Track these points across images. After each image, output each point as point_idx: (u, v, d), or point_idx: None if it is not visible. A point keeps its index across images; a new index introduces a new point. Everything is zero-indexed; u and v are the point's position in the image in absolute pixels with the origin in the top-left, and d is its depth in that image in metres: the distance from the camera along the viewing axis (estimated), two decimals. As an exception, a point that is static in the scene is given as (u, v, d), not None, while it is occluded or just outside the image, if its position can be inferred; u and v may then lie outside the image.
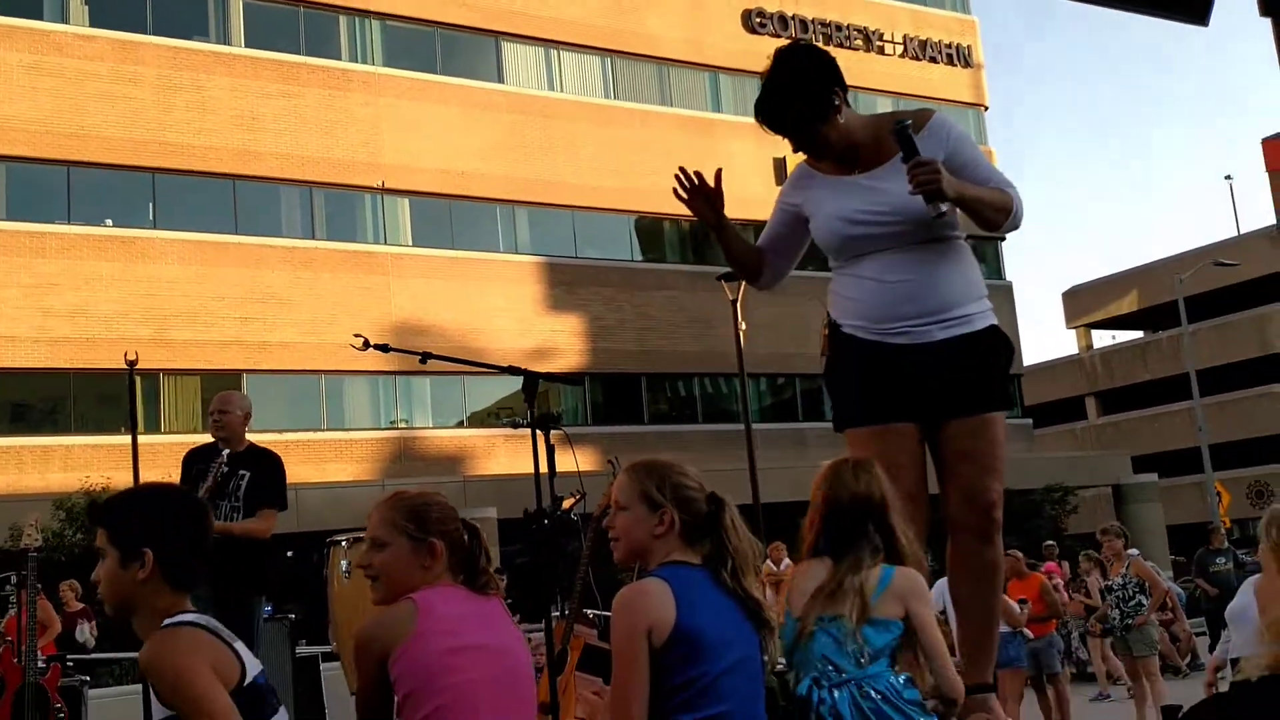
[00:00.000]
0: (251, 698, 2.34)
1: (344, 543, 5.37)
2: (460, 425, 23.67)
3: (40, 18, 20.79)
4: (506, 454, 22.18)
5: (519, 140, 24.49)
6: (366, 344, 3.55)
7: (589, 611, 4.99)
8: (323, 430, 21.21)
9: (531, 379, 3.79)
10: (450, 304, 22.74)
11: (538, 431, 3.88)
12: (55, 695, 5.77)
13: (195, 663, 2.27)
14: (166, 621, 2.37)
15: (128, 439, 20.48)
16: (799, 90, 3.16)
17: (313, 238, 22.54)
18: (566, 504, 4.37)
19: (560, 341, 23.85)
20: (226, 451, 5.51)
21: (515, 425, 4.03)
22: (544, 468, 3.82)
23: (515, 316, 23.51)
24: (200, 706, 2.24)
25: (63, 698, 5.77)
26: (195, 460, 5.61)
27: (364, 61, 23.68)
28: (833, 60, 3.23)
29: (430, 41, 24.45)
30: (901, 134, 3.05)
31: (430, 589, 2.65)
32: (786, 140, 3.24)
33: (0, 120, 19.76)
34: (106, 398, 20.75)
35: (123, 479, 17.99)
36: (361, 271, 22.49)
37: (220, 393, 6.31)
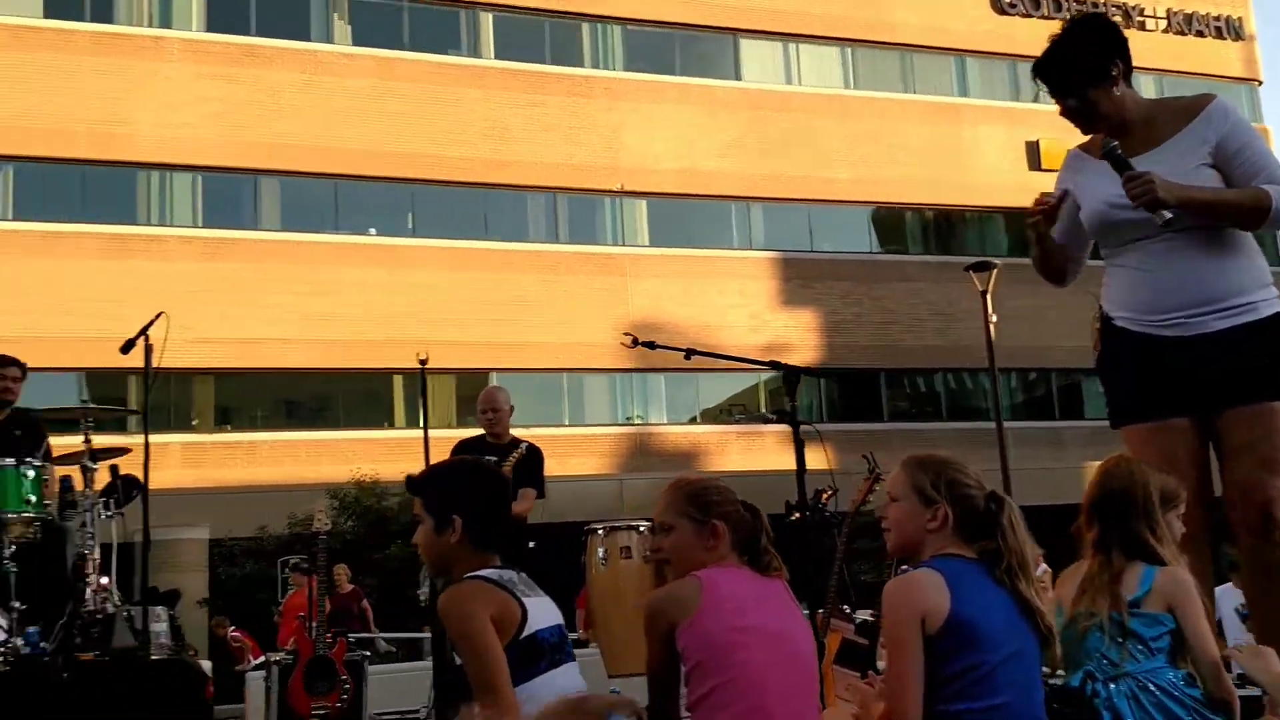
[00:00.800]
0: (527, 648, 2.61)
1: (600, 531, 5.54)
2: (693, 422, 23.85)
3: (308, 39, 22.43)
4: (739, 451, 22.16)
5: (756, 136, 24.43)
6: (635, 341, 3.63)
7: (844, 607, 4.91)
8: (565, 426, 21.84)
9: (792, 374, 3.68)
10: (685, 302, 22.94)
11: (790, 426, 3.78)
12: (341, 668, 6.17)
13: (475, 610, 2.58)
14: (466, 575, 2.69)
15: (391, 433, 21.83)
16: (1078, 49, 3.16)
17: (556, 241, 23.30)
18: (824, 498, 4.27)
19: (794, 337, 23.59)
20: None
21: (766, 420, 3.97)
22: (785, 464, 3.72)
23: (749, 313, 23.45)
24: (472, 644, 2.56)
25: (348, 670, 6.16)
26: (465, 453, 5.86)
27: (605, 67, 24.27)
28: (1119, 32, 3.23)
29: (669, 43, 24.78)
30: (1110, 155, 3.05)
31: (715, 567, 2.72)
32: (1057, 104, 3.20)
33: (273, 137, 21.38)
34: (371, 395, 22.19)
35: (388, 471, 19.21)
36: (601, 273, 23.05)
37: (486, 390, 6.69)
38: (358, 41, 22.74)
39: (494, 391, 6.52)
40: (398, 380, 22.01)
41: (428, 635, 13.17)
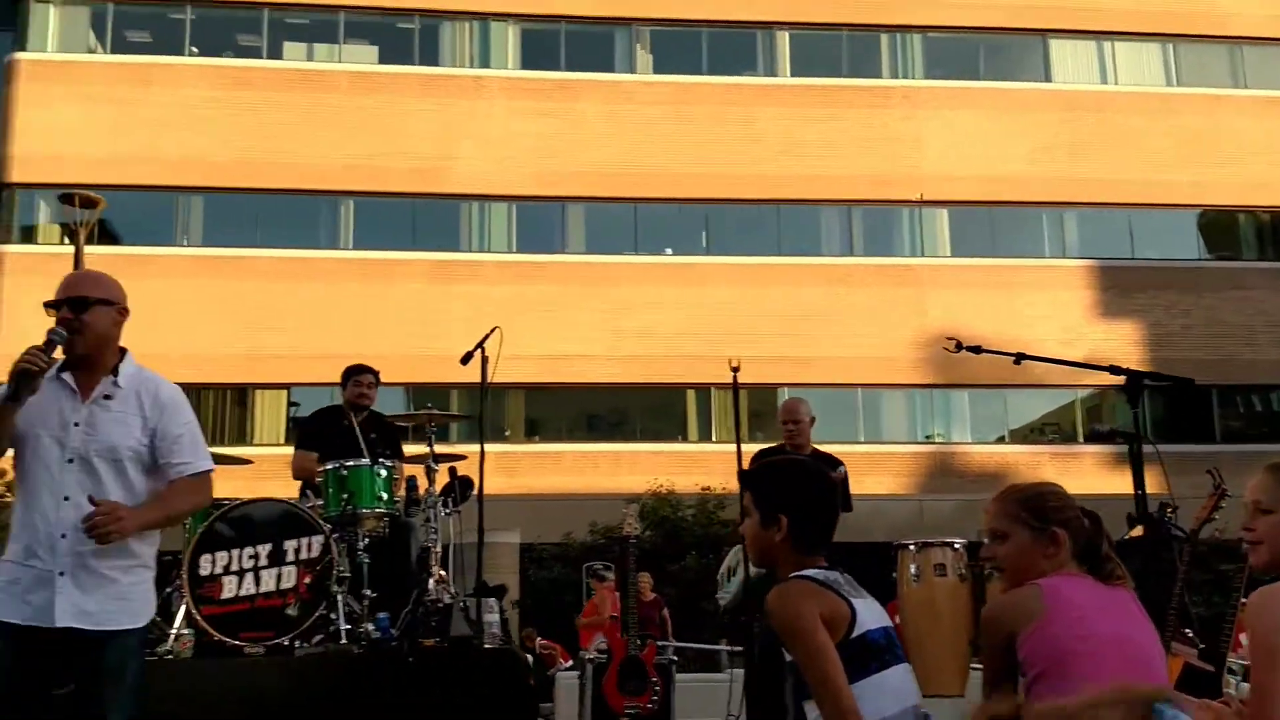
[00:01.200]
0: (857, 649, 2.57)
1: (912, 548, 5.45)
2: (1001, 441, 22.77)
3: (612, 70, 23.47)
4: (1053, 473, 20.90)
5: (1068, 139, 23.13)
6: (959, 346, 3.49)
7: (1186, 630, 4.56)
8: (859, 443, 21.50)
9: (1135, 380, 3.46)
10: (988, 313, 21.99)
11: (1118, 445, 3.56)
12: (652, 670, 6.38)
13: (804, 608, 2.58)
14: (791, 575, 2.69)
15: (684, 446, 22.13)
16: None
17: (851, 254, 23.05)
18: (1169, 512, 3.99)
19: (1111, 350, 22.03)
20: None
21: (1114, 438, 3.75)
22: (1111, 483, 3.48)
23: (1060, 324, 22.15)
24: (805, 643, 2.55)
25: (658, 673, 6.36)
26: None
27: (904, 76, 23.82)
28: None
29: (972, 48, 23.98)
30: None
31: (1056, 576, 2.64)
32: None
33: (580, 166, 22.49)
34: (665, 409, 22.81)
35: (682, 483, 19.67)
36: (895, 285, 22.54)
37: (787, 401, 6.63)
38: (658, 69, 23.54)
39: (795, 403, 6.47)
40: (690, 395, 22.49)
41: (724, 648, 13.33)
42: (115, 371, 3.35)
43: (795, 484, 2.84)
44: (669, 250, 23.03)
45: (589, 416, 23.07)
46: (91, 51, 22.53)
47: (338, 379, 6.72)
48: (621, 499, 18.33)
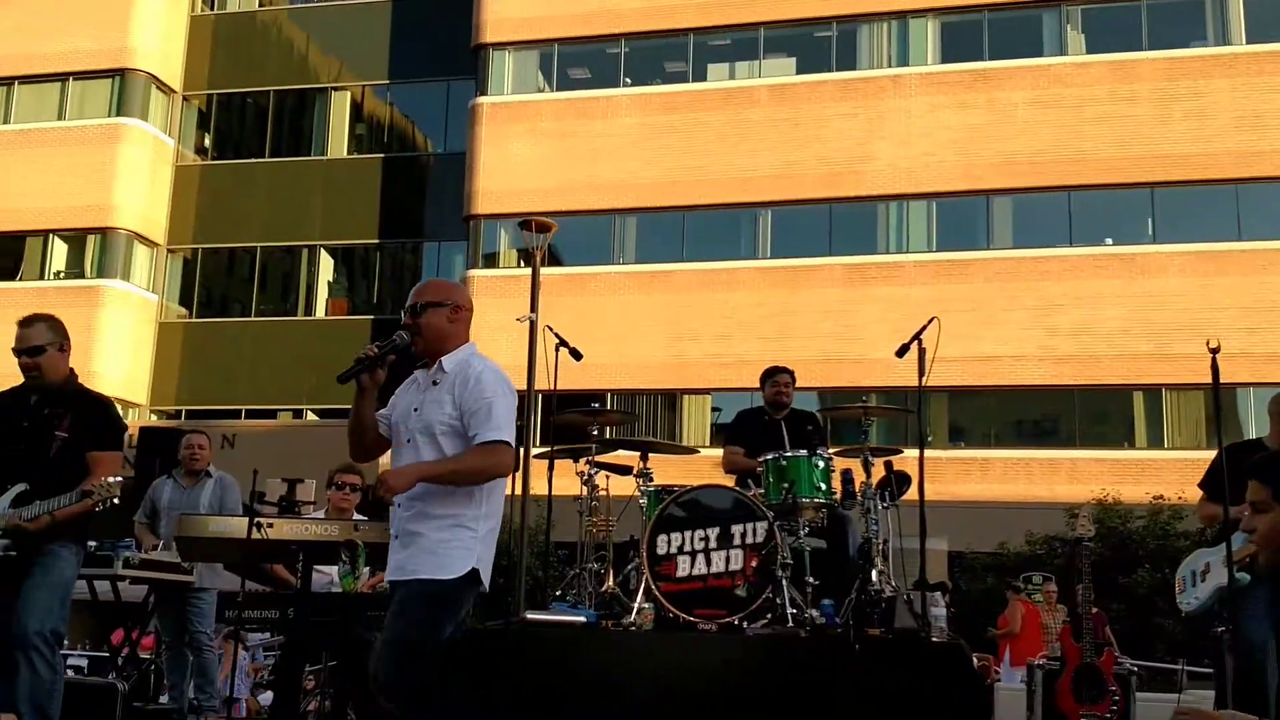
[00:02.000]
0: None
1: None
2: None
3: (1040, 54, 22.22)
4: None
5: None
6: None
7: None
8: (1350, 453, 18.66)
9: None
10: None
11: None
12: (1110, 679, 5.95)
13: None
14: None
15: (1129, 453, 20.57)
16: None
17: (1333, 234, 20.16)
18: None
19: None
20: None
21: None
22: None
23: None
24: None
25: (1116, 682, 5.93)
26: None
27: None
28: None
29: None
30: None
31: None
32: None
33: (1005, 156, 21.50)
34: (1106, 413, 21.16)
35: (1130, 492, 18.14)
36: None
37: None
38: (1091, 49, 21.99)
39: None
40: (1137, 397, 20.70)
41: (1183, 667, 12.12)
42: (443, 361, 3.84)
43: None
44: (1109, 240, 21.37)
45: (1019, 421, 21.98)
46: (540, 91, 24.94)
47: (756, 384, 7.00)
48: (1059, 508, 17.38)
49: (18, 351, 4.71)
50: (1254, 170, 20.25)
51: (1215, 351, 4.92)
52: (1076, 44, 22.24)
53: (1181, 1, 21.76)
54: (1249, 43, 21.05)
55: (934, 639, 5.25)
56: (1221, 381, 19.23)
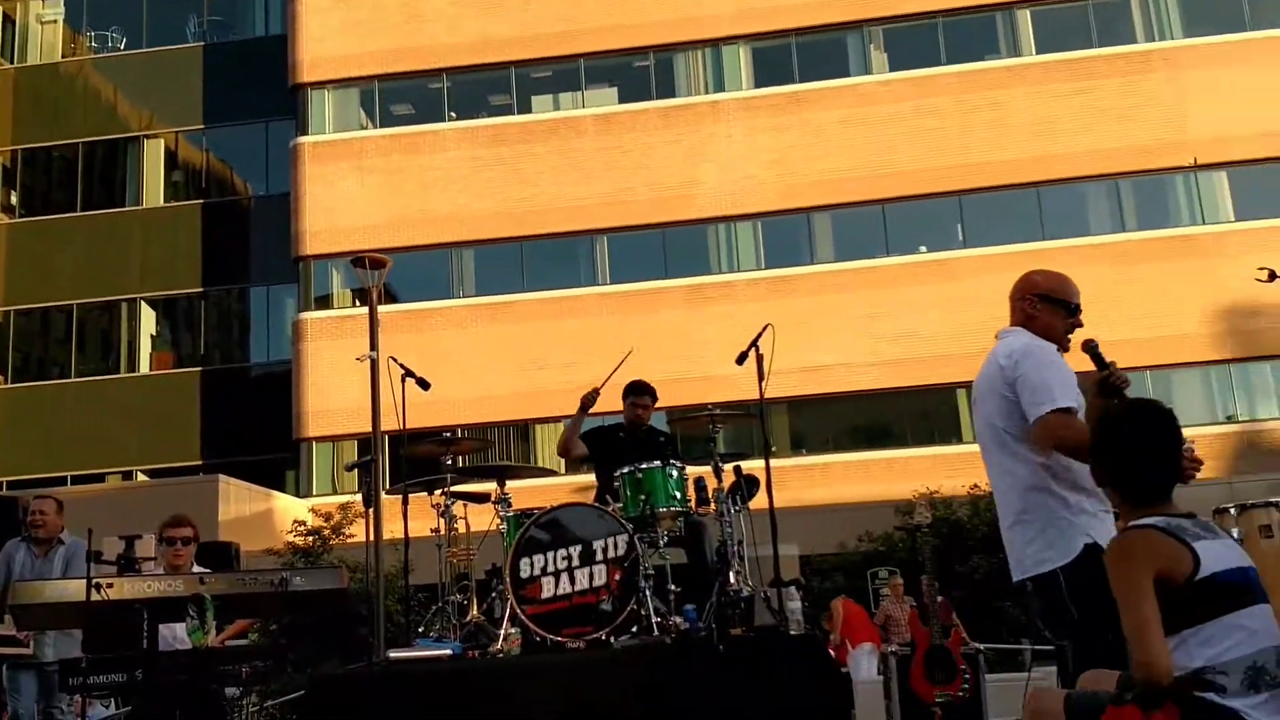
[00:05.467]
0: (1204, 591, 2.56)
1: (1232, 511, 5.20)
2: (1313, 413, 20.78)
3: (848, 75, 23.32)
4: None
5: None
6: (1273, 275, 3.28)
7: None
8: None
9: None
10: (1288, 279, 20.17)
11: None
12: (959, 659, 6.29)
13: (1126, 565, 2.61)
14: (1130, 524, 2.71)
15: (956, 448, 21.51)
16: None
17: (1124, 230, 21.77)
18: None
19: None
20: None
21: None
22: None
23: (1375, 284, 20.00)
24: (1121, 596, 2.59)
25: (966, 661, 6.26)
26: None
27: (1161, 38, 22.38)
28: None
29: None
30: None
31: None
32: None
33: (821, 175, 22.44)
34: (933, 412, 22.22)
35: (951, 485, 19.10)
36: (1180, 257, 21.08)
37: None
38: (894, 67, 23.21)
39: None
40: (961, 395, 21.82)
41: (1028, 647, 12.82)
42: None
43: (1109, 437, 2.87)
44: (922, 248, 22.53)
45: (853, 426, 22.83)
46: (364, 128, 24.63)
47: (609, 409, 7.08)
48: (895, 505, 18.13)
49: None
50: (1051, 173, 21.75)
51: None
52: (880, 63, 23.44)
53: (974, 17, 23.20)
54: (1039, 53, 22.62)
55: (793, 632, 5.46)
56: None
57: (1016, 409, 3.49)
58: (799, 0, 23.28)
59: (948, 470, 20.21)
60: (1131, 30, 22.60)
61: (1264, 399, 21.01)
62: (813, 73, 23.24)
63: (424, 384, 6.90)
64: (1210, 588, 2.55)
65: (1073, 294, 3.61)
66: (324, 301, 23.81)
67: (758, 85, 23.45)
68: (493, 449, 22.02)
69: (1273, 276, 3.25)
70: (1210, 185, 21.66)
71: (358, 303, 22.70)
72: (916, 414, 22.21)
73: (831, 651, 11.09)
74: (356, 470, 7.84)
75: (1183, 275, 20.88)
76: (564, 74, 24.26)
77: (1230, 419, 21.02)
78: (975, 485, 18.24)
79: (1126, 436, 2.83)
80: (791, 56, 23.53)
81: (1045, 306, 3.66)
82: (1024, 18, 22.96)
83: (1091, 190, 22.16)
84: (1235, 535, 5.24)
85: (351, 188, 23.46)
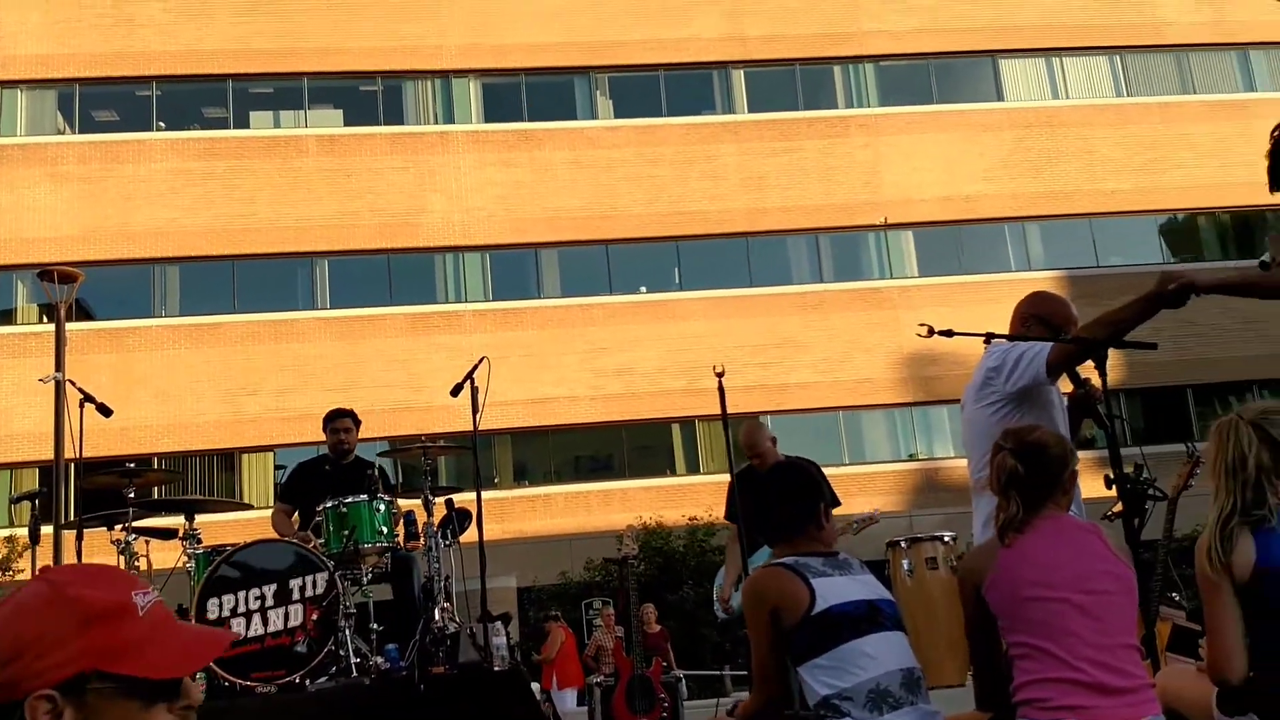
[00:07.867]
0: (821, 624, 2.72)
1: (903, 544, 5.63)
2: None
3: (575, 118, 23.87)
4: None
5: (1024, 155, 23.70)
6: (931, 331, 3.63)
7: (1173, 594, 4.74)
8: (845, 465, 21.70)
9: (1097, 347, 3.62)
10: (962, 329, 22.30)
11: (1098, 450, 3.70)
12: (659, 687, 6.48)
13: (748, 601, 2.85)
14: (767, 563, 2.91)
15: (671, 480, 22.13)
16: None
17: (821, 281, 23.40)
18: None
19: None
20: None
21: (1087, 391, 3.92)
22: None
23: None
24: (749, 632, 2.81)
25: (665, 690, 6.46)
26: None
27: (860, 106, 24.34)
28: None
29: (924, 74, 24.56)
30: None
31: None
32: None
33: (550, 212, 22.81)
34: (650, 446, 22.95)
35: (669, 516, 19.78)
36: (869, 308, 22.90)
37: (745, 426, 6.50)
38: (619, 114, 23.97)
39: (752, 428, 6.38)
40: (675, 429, 22.65)
41: (728, 672, 13.42)
42: None
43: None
44: (643, 288, 23.29)
45: (576, 458, 23.17)
46: (61, 133, 22.72)
47: (322, 437, 6.83)
48: (614, 535, 18.51)
49: None
50: (760, 225, 23.10)
51: (720, 375, 5.59)
52: (606, 109, 24.15)
53: (693, 74, 24.36)
54: (751, 112, 24.03)
55: (496, 668, 5.46)
56: (745, 411, 21.40)
57: (1002, 389, 3.69)
58: (528, 41, 23.62)
59: (662, 501, 20.95)
60: (834, 96, 24.47)
61: (940, 439, 23.09)
62: (543, 113, 23.62)
63: (105, 410, 6.39)
64: (826, 620, 2.71)
65: (1069, 322, 3.85)
66: (7, 317, 21.68)
67: (488, 120, 23.56)
68: (189, 480, 20.73)
69: (931, 332, 3.60)
70: (898, 243, 23.71)
71: (45, 318, 20.81)
72: (636, 447, 22.83)
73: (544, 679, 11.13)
74: (27, 502, 7.16)
75: (871, 325, 22.69)
76: (286, 91, 23.41)
77: (912, 457, 22.96)
78: (694, 517, 18.96)
79: (768, 490, 3.03)
80: (521, 95, 23.83)
81: (1039, 328, 3.86)
82: (739, 77, 24.35)
83: (793, 242, 23.71)
84: (906, 566, 5.72)
85: (43, 195, 21.55)
